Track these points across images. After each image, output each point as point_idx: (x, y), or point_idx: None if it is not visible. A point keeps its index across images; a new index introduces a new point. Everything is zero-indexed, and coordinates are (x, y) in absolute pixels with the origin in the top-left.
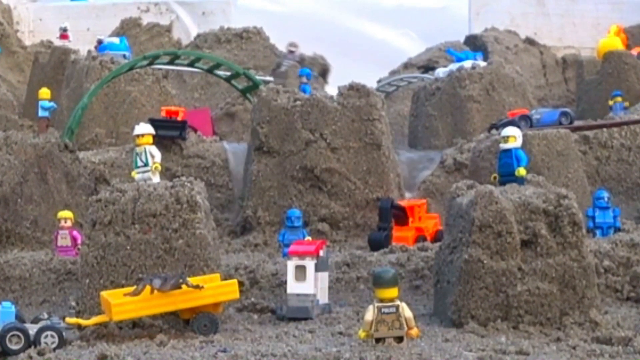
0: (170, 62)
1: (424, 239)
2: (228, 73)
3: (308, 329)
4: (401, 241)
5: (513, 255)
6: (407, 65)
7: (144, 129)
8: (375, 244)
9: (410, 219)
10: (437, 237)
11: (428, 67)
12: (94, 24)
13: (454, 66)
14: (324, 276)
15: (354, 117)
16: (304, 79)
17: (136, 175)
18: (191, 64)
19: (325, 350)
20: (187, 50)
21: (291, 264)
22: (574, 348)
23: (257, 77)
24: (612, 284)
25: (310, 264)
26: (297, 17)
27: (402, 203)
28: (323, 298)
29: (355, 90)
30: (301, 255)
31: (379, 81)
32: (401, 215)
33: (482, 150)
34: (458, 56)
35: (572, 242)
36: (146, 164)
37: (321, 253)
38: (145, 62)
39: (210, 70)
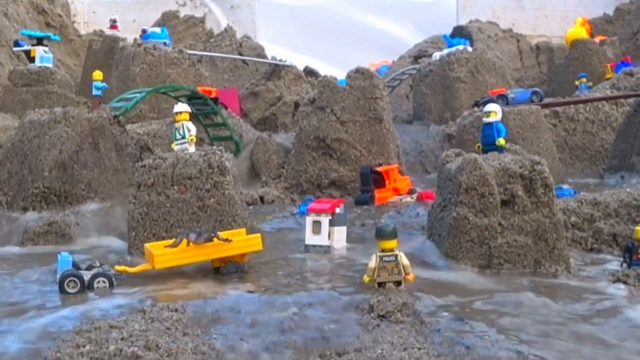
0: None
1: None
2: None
3: (324, 280)
4: (383, 201)
5: (494, 213)
6: (400, 57)
7: (182, 107)
8: (361, 204)
9: (387, 181)
10: (410, 192)
11: (419, 56)
12: (139, 16)
13: (447, 50)
14: (341, 230)
15: (359, 95)
16: None
17: (175, 146)
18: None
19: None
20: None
21: (309, 220)
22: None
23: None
24: (577, 238)
25: (325, 219)
26: (312, 10)
27: (379, 169)
28: (340, 248)
29: (360, 73)
30: (317, 212)
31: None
32: (379, 179)
33: (466, 125)
34: (450, 41)
35: (544, 201)
36: (183, 137)
37: (338, 210)
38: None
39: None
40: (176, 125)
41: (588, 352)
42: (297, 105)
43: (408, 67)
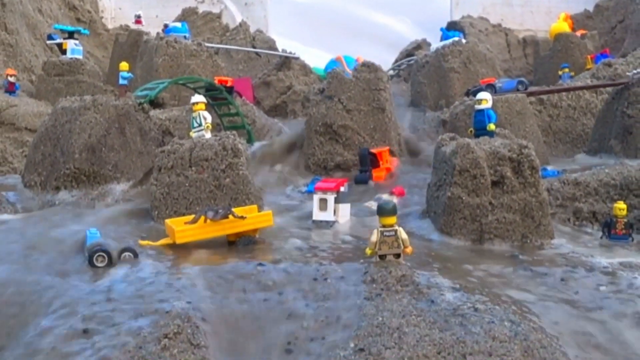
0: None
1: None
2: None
3: (329, 253)
4: (378, 179)
5: (485, 193)
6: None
7: (198, 98)
8: (361, 182)
9: (381, 162)
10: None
11: (414, 50)
12: (161, 12)
13: (442, 43)
14: (345, 207)
15: (364, 87)
16: None
17: (193, 134)
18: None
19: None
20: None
21: (316, 197)
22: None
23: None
24: (560, 215)
25: (330, 197)
26: (318, 6)
27: (374, 150)
28: (345, 223)
29: (366, 66)
30: (324, 190)
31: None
32: (374, 160)
33: (458, 113)
34: (446, 34)
35: (530, 182)
36: (200, 125)
37: (342, 189)
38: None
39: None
40: (193, 114)
41: (580, 319)
42: (307, 98)
43: (407, 59)
